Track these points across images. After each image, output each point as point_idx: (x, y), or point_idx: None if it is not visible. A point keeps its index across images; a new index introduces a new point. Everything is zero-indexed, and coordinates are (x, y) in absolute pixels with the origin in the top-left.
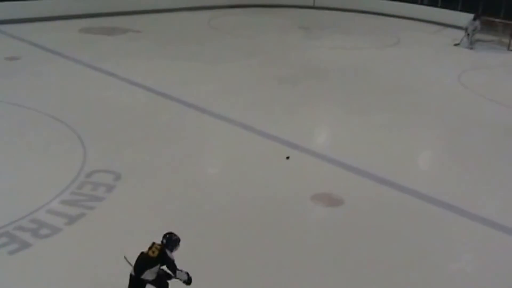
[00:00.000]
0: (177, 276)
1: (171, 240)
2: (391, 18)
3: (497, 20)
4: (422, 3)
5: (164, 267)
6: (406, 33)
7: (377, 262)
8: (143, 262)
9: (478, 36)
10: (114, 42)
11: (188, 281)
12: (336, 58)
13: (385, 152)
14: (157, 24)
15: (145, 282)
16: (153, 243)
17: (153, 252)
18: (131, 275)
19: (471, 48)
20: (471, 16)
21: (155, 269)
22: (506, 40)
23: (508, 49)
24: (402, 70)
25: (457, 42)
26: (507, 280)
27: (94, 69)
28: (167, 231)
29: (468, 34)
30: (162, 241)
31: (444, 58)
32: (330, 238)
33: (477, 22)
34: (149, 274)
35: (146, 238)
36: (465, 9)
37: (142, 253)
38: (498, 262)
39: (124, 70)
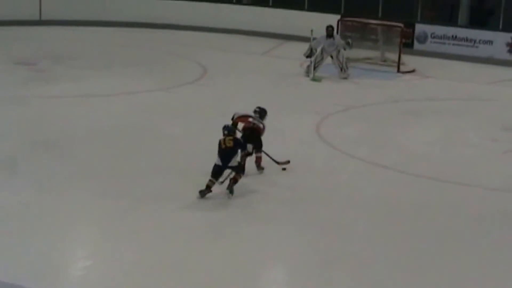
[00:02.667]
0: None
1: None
2: (188, 33)
3: (373, 22)
4: (241, 3)
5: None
6: (217, 57)
7: None
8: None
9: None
10: None
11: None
12: (88, 114)
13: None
14: None
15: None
16: (225, 138)
17: (229, 142)
18: (216, 165)
19: (345, 78)
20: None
21: (237, 155)
22: (392, 55)
23: (398, 70)
24: (213, 124)
25: (309, 74)
26: None
27: None
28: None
29: (327, 57)
30: (225, 132)
31: (290, 97)
32: None
33: (337, 40)
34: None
35: None
36: (315, 9)
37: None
38: None
39: None
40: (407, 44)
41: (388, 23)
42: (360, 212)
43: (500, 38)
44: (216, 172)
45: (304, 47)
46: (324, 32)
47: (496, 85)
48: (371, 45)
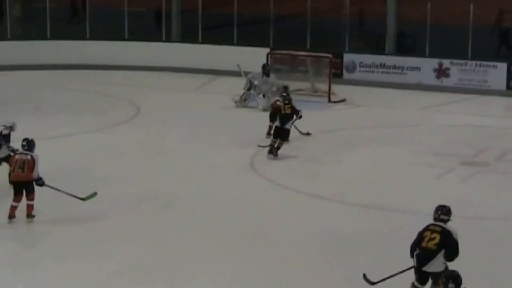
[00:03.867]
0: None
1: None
2: (119, 72)
3: (302, 53)
4: (170, 40)
5: None
6: (150, 95)
7: None
8: (284, 117)
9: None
10: None
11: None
12: None
13: None
14: None
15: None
16: (284, 106)
17: (288, 109)
18: (276, 126)
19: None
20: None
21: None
22: (322, 85)
23: (329, 101)
24: (149, 162)
25: (259, 106)
26: None
27: None
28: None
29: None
30: (286, 101)
31: (224, 132)
32: None
33: (271, 79)
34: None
35: None
36: (244, 43)
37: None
38: None
39: None
40: (336, 74)
41: (317, 54)
42: (300, 244)
43: (427, 64)
44: (277, 133)
45: (235, 81)
46: (256, 67)
47: (425, 110)
48: (301, 76)
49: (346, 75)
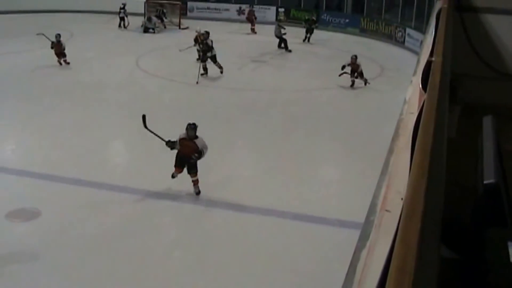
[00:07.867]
0: None
1: None
2: (59, 14)
3: (163, 1)
4: None
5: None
6: (78, 26)
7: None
8: None
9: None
10: None
11: None
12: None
13: (76, 154)
14: None
15: None
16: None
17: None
18: None
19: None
20: None
21: None
22: (176, 20)
23: (179, 28)
24: (82, 66)
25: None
26: None
27: None
28: None
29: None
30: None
31: (120, 45)
32: (51, 252)
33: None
34: None
35: None
36: None
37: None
38: None
39: None
40: (183, 13)
41: (172, 2)
42: (165, 111)
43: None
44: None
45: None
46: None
47: (232, 34)
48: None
49: (189, 14)
